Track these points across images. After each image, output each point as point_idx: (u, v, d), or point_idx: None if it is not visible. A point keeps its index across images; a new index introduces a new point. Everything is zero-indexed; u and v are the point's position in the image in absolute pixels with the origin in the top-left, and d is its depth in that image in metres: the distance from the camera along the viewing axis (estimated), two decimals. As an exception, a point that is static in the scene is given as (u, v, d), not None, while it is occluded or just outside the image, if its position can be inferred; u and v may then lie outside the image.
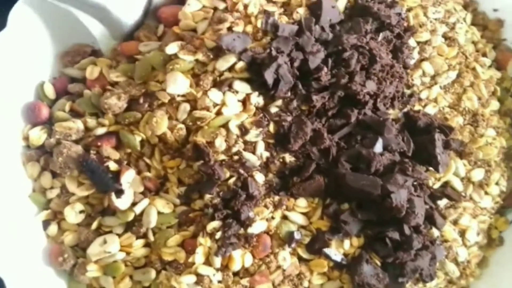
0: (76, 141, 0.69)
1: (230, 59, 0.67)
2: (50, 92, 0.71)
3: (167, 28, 0.73)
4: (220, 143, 0.66)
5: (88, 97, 0.71)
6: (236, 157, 0.67)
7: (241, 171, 0.68)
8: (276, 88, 0.67)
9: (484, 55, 0.81)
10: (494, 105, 0.79)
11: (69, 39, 0.73)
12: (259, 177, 0.69)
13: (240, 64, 0.67)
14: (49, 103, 0.72)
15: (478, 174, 0.76)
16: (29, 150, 0.71)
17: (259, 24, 0.70)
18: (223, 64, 0.67)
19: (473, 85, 0.78)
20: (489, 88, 0.79)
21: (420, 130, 0.73)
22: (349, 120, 0.70)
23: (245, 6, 0.70)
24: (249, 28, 0.70)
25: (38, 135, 0.69)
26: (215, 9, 0.71)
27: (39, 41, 0.71)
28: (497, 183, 0.78)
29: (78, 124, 0.69)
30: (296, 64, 0.68)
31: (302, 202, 0.70)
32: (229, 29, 0.69)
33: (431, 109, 0.75)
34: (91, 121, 0.69)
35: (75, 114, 0.71)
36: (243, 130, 0.67)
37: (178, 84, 0.66)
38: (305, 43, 0.68)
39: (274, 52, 0.67)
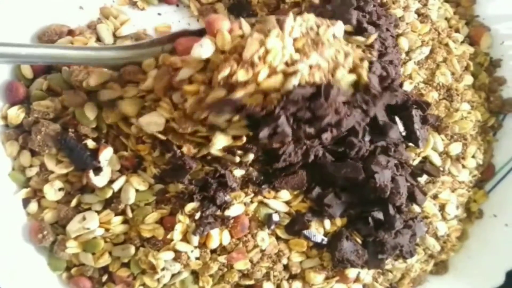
0: (54, 120, 0.68)
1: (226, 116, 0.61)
2: (27, 72, 0.70)
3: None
4: (189, 149, 0.64)
5: (59, 74, 0.70)
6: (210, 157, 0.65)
7: (218, 167, 0.66)
8: (271, 140, 0.61)
9: (457, 31, 0.80)
10: (468, 79, 0.78)
11: (46, 19, 0.72)
12: (238, 172, 0.67)
13: (237, 117, 0.61)
14: (26, 83, 0.71)
15: (455, 148, 0.76)
16: (8, 129, 0.70)
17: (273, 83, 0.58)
18: (217, 119, 0.62)
19: (446, 61, 0.77)
20: (462, 63, 0.78)
21: (397, 107, 0.71)
22: (352, 149, 0.67)
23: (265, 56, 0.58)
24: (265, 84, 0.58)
25: (16, 114, 0.69)
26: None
27: (16, 20, 0.70)
28: (473, 156, 0.78)
29: (55, 103, 0.68)
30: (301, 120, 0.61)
31: (284, 194, 0.69)
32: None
33: (407, 86, 0.74)
34: (68, 100, 0.69)
35: (52, 93, 0.70)
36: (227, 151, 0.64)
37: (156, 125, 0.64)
38: (317, 107, 0.60)
39: (277, 111, 0.59)
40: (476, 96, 0.80)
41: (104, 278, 0.69)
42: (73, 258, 0.69)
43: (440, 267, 0.79)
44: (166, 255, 0.66)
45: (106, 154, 0.67)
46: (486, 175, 0.81)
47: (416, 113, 0.71)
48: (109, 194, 0.67)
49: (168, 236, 0.66)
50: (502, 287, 0.75)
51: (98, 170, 0.67)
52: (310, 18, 0.63)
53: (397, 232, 0.69)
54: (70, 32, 0.73)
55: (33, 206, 0.69)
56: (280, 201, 0.69)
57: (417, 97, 0.74)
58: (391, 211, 0.68)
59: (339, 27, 0.65)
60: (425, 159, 0.75)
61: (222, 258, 0.67)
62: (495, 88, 0.82)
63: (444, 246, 0.77)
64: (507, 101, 0.81)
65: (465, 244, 0.79)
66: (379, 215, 0.68)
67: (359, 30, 0.68)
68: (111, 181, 0.67)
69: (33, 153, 0.70)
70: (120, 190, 0.67)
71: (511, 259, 0.76)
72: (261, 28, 0.61)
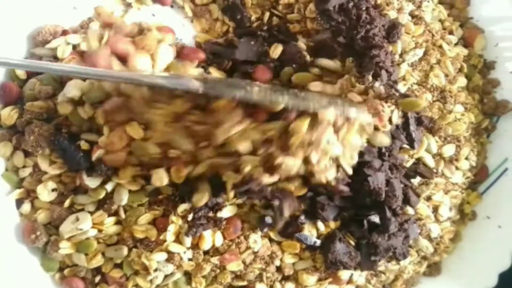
0: (47, 120, 0.68)
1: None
2: (21, 72, 0.70)
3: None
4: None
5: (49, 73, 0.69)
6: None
7: None
8: None
9: (451, 33, 0.79)
10: (462, 81, 0.78)
11: (40, 19, 0.72)
12: None
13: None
14: (20, 84, 0.70)
15: (449, 150, 0.75)
16: (1, 129, 0.69)
17: None
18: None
19: (439, 63, 0.76)
20: (455, 65, 0.77)
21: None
22: None
23: None
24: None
25: (10, 115, 0.68)
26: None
27: (10, 21, 0.69)
28: (467, 158, 0.77)
29: (48, 104, 0.68)
30: None
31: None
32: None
33: (401, 87, 0.73)
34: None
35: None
36: None
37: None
38: None
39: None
40: (470, 98, 0.79)
41: (97, 279, 0.69)
42: (66, 258, 0.69)
43: (433, 269, 0.78)
44: (159, 256, 0.65)
45: (100, 155, 0.67)
46: (479, 177, 0.80)
47: (411, 115, 0.71)
48: (102, 195, 0.67)
49: (161, 237, 0.66)
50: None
51: (91, 170, 0.67)
52: (331, 117, 0.61)
53: (390, 234, 0.69)
54: (65, 32, 0.72)
55: (26, 207, 0.69)
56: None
57: (411, 98, 0.73)
58: (388, 214, 0.68)
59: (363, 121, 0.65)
60: (419, 160, 0.74)
61: (215, 259, 0.67)
62: (489, 90, 0.81)
63: (437, 247, 0.76)
64: (500, 103, 0.80)
65: (458, 245, 0.79)
66: (376, 219, 0.68)
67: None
68: (104, 182, 0.67)
69: (27, 154, 0.69)
70: (113, 191, 0.67)
71: (504, 261, 0.76)
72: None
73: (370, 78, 0.68)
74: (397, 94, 0.68)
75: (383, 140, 0.67)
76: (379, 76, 0.68)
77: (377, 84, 0.67)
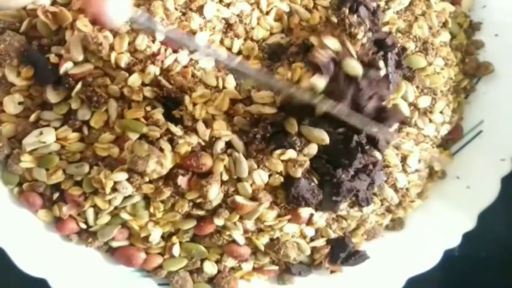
0: (21, 33, 0.66)
1: None
2: None
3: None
4: None
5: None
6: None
7: None
8: None
9: None
10: (445, 36, 0.75)
11: None
12: None
13: None
14: None
15: (424, 101, 0.73)
16: None
17: None
18: None
19: (424, 14, 0.74)
20: (440, 19, 0.75)
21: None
22: None
23: None
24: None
25: None
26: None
27: None
28: (441, 112, 0.75)
29: (21, 13, 0.66)
30: None
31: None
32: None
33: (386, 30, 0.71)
34: (35, 11, 0.65)
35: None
36: None
37: None
38: None
39: None
40: (452, 55, 0.77)
41: (55, 196, 0.67)
42: (26, 173, 0.67)
43: (397, 223, 0.76)
44: (119, 176, 0.63)
45: (67, 69, 0.64)
46: (453, 136, 0.78)
47: (391, 56, 0.68)
48: (65, 110, 0.65)
49: (123, 155, 0.64)
50: (457, 248, 0.75)
51: (57, 83, 0.65)
52: None
53: (354, 175, 0.66)
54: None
55: (-9, 119, 0.67)
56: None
57: (394, 39, 0.70)
58: (353, 143, 0.63)
59: None
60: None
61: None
62: (472, 51, 0.79)
63: (403, 200, 0.74)
64: (482, 64, 0.78)
65: (425, 203, 0.77)
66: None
67: None
68: (68, 97, 0.65)
69: (-5, 65, 0.67)
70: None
71: (469, 222, 0.74)
72: None
73: (347, 11, 0.66)
74: (367, 25, 0.66)
75: (356, 68, 0.63)
76: (356, 11, 0.66)
77: (354, 17, 0.65)
